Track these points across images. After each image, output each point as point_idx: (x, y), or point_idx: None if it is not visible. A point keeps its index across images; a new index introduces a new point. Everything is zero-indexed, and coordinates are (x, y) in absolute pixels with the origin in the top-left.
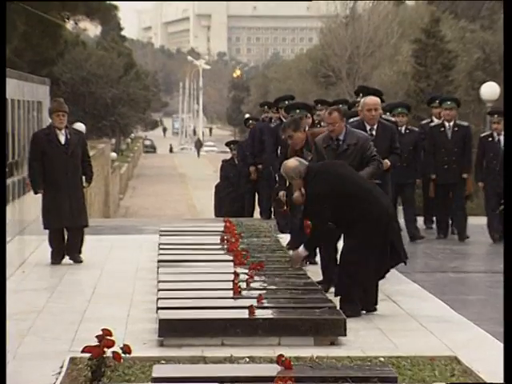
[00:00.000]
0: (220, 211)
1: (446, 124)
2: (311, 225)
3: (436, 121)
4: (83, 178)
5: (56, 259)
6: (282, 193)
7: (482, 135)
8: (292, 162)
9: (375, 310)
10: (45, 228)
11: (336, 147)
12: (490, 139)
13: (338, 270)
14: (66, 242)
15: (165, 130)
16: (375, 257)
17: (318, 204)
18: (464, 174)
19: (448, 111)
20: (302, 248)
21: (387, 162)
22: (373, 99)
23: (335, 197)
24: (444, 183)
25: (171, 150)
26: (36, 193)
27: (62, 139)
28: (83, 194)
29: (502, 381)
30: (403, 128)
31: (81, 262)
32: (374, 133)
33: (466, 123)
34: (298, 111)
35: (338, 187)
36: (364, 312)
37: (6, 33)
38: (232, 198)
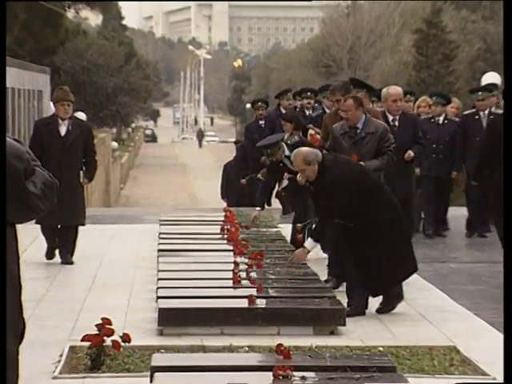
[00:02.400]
0: (227, 192)
1: (481, 113)
2: (320, 217)
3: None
4: (81, 173)
5: (50, 256)
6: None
7: (465, 113)
8: (308, 148)
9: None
10: (36, 223)
11: (353, 135)
12: (477, 117)
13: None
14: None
15: (155, 118)
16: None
17: (337, 195)
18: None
19: (481, 102)
20: (309, 242)
21: (411, 152)
22: (396, 89)
23: (353, 190)
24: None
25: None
26: None
27: (63, 131)
28: (82, 190)
29: (500, 371)
30: (441, 118)
31: (71, 263)
32: (396, 123)
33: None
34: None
35: (357, 179)
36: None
37: (5, 33)
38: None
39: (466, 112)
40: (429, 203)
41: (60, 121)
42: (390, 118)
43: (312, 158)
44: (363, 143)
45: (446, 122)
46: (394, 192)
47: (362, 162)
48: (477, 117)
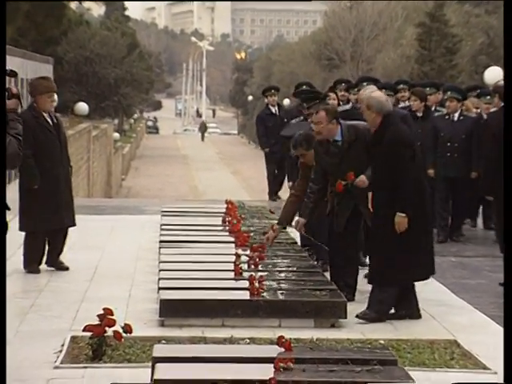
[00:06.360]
0: (268, 142)
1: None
2: (401, 177)
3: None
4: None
5: (35, 267)
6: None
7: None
8: (381, 94)
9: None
10: (27, 230)
11: (337, 150)
12: (447, 117)
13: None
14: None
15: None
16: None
17: (403, 150)
18: None
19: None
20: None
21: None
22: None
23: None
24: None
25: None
26: (31, 187)
27: (50, 123)
28: (72, 188)
29: (501, 364)
30: (456, 114)
31: (67, 268)
32: None
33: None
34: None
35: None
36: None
37: (5, 33)
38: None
39: (492, 109)
40: (442, 206)
41: (44, 113)
42: None
43: (373, 103)
44: (350, 154)
45: (461, 118)
46: None
47: (361, 176)
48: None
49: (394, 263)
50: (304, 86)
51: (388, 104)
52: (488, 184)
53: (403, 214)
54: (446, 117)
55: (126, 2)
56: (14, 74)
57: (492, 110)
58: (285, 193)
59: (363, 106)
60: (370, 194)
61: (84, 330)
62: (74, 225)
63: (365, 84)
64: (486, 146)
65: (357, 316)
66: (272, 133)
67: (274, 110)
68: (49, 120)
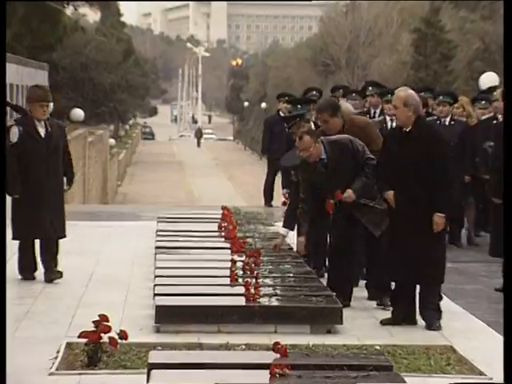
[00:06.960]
0: (270, 148)
1: (499, 116)
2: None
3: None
4: (64, 179)
5: (30, 274)
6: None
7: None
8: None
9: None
10: (17, 238)
11: (323, 169)
12: (438, 122)
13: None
14: (40, 255)
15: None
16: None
17: (445, 150)
18: None
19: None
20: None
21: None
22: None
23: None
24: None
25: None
26: (11, 195)
27: (42, 132)
28: (63, 198)
29: (497, 370)
30: (448, 119)
31: (60, 277)
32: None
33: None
34: (299, 106)
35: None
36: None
37: (5, 33)
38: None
39: (485, 116)
40: None
41: (36, 121)
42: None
43: (412, 102)
44: (337, 170)
45: (452, 122)
46: None
47: (348, 191)
48: (494, 121)
49: (438, 260)
50: (314, 92)
51: (421, 106)
52: (499, 187)
53: (442, 214)
54: (437, 122)
55: (121, 8)
56: (19, 109)
57: (486, 116)
58: (279, 197)
59: (398, 104)
60: (388, 194)
61: (79, 337)
62: (63, 236)
63: (370, 88)
64: (498, 149)
65: (429, 327)
66: (278, 139)
67: None
68: (40, 129)
